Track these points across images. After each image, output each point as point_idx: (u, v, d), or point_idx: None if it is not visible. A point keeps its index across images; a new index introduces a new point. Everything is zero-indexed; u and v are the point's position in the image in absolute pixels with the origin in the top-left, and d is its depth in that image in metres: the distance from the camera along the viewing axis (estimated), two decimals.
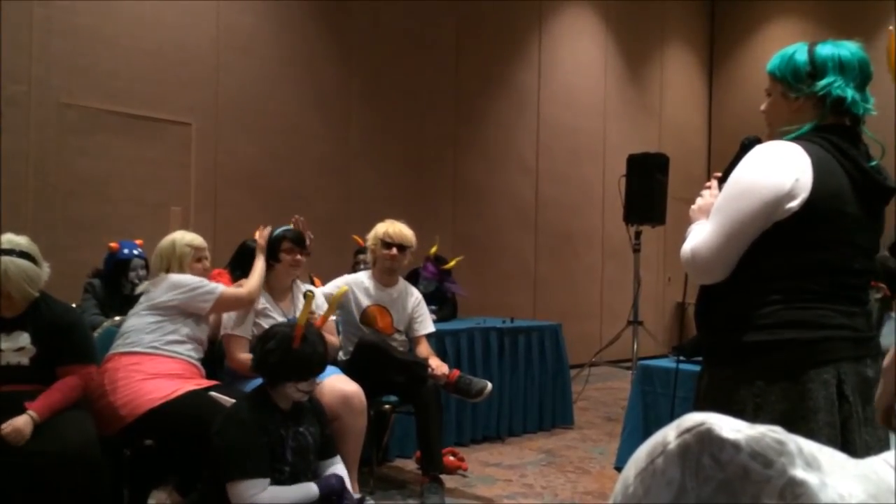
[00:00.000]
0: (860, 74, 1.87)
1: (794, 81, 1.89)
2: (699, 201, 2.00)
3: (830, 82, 1.84)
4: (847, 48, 1.88)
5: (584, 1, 9.70)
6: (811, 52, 1.89)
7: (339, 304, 3.72)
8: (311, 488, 2.84)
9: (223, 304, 3.55)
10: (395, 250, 4.29)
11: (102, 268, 4.37)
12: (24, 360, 2.96)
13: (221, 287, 3.55)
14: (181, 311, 3.43)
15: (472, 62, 8.26)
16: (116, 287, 4.26)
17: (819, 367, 1.75)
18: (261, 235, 3.86)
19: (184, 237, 3.65)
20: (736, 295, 1.85)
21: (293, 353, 2.87)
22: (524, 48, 8.93)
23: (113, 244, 4.33)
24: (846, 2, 9.95)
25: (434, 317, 5.67)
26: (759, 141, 1.91)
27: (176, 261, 3.57)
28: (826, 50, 1.88)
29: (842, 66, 1.85)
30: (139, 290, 3.60)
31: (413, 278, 5.83)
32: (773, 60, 1.96)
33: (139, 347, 3.29)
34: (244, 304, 3.66)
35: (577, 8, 9.61)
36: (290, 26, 6.70)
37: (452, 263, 5.73)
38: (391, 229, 4.33)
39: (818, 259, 1.80)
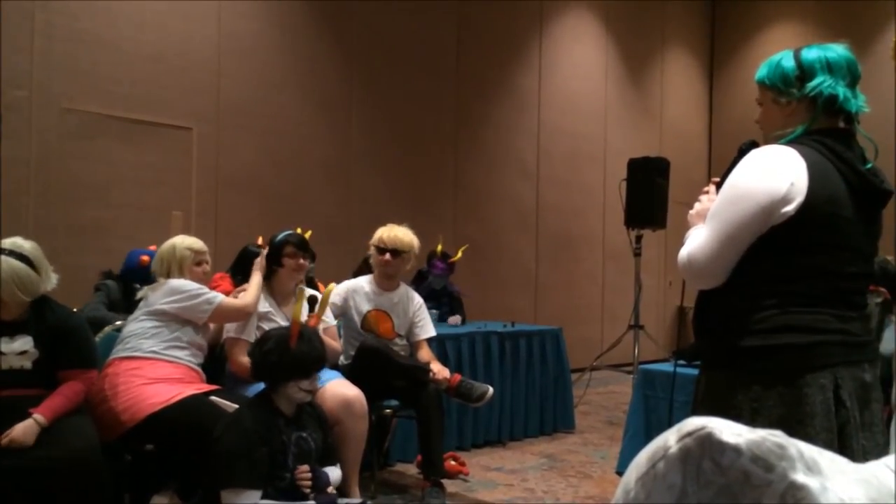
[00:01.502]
0: (849, 73, 1.88)
1: (784, 87, 1.90)
2: (697, 206, 2.00)
3: (821, 82, 1.85)
4: (833, 50, 1.89)
5: (585, 4, 9.71)
6: (797, 57, 1.90)
7: (328, 302, 3.72)
8: None
9: (221, 314, 3.54)
10: (388, 256, 4.30)
11: (120, 272, 4.35)
12: (27, 364, 2.96)
13: (220, 297, 3.54)
14: (179, 318, 3.44)
15: (473, 66, 8.27)
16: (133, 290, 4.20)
17: (815, 371, 1.75)
18: (261, 257, 3.86)
19: (184, 241, 3.65)
20: (732, 299, 1.84)
21: (291, 351, 2.88)
22: (524, 52, 8.94)
23: (145, 257, 4.26)
24: (846, 4, 9.96)
25: (458, 318, 5.72)
26: (756, 145, 1.91)
27: (176, 264, 3.57)
28: (812, 53, 1.89)
29: (830, 67, 1.86)
30: (139, 295, 3.59)
31: (418, 280, 5.85)
32: (760, 70, 1.97)
33: (139, 353, 3.29)
34: (241, 317, 3.66)
35: (577, 11, 9.62)
36: (291, 31, 6.71)
37: (459, 254, 5.77)
38: (386, 235, 4.33)
39: (814, 263, 1.80)
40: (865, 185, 1.84)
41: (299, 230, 4.26)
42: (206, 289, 3.55)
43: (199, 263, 3.66)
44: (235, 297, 3.79)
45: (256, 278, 3.77)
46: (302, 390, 2.91)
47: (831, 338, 1.78)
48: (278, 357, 2.87)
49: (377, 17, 7.29)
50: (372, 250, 4.38)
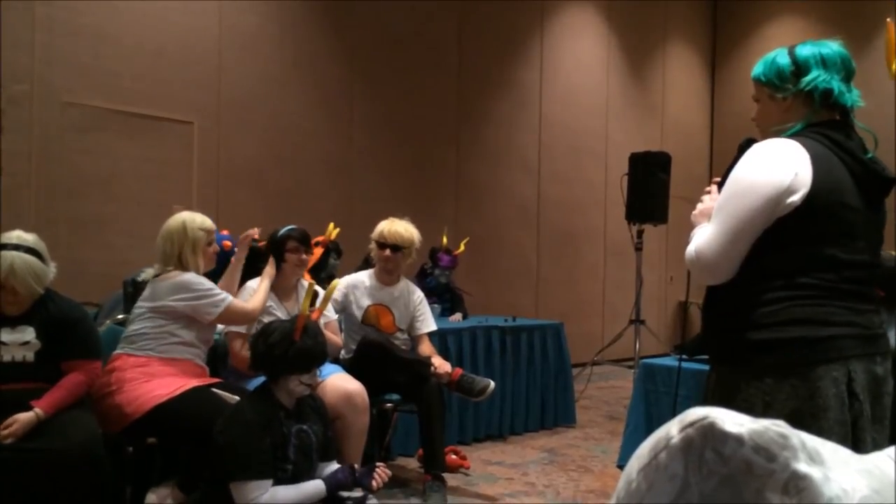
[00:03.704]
0: (843, 68, 1.90)
1: (779, 82, 1.92)
2: (700, 206, 2.00)
3: (815, 76, 1.87)
4: (827, 46, 1.91)
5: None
6: (792, 53, 1.92)
7: (331, 297, 3.70)
8: (317, 486, 2.84)
9: (228, 316, 3.46)
10: (388, 251, 4.28)
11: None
12: (30, 356, 2.96)
13: (229, 299, 3.45)
14: (187, 317, 3.38)
15: (474, 61, 8.25)
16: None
17: (828, 364, 1.75)
18: (270, 265, 3.81)
19: (194, 220, 3.49)
20: (742, 293, 1.84)
21: (295, 345, 2.88)
22: (526, 47, 8.92)
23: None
24: (847, 1, 9.93)
25: (459, 316, 5.72)
26: (755, 142, 1.92)
27: (189, 245, 3.42)
28: (806, 49, 1.91)
29: (824, 62, 1.88)
30: (142, 277, 3.54)
31: (422, 276, 5.86)
32: (756, 67, 1.99)
33: (147, 351, 3.27)
34: (247, 321, 3.60)
35: (578, 6, 9.59)
36: (293, 26, 6.70)
37: (462, 247, 5.81)
38: (387, 229, 4.31)
39: (822, 254, 1.80)
40: (868, 173, 1.85)
41: (332, 225, 4.29)
42: (215, 288, 3.45)
43: (209, 244, 3.55)
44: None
45: (265, 284, 3.73)
46: (302, 384, 2.91)
47: (844, 331, 1.77)
48: (283, 350, 2.87)
49: (378, 13, 7.28)
50: (373, 245, 4.37)
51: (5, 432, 2.72)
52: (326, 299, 3.51)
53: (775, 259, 1.81)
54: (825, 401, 1.72)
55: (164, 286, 3.36)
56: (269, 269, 3.81)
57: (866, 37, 9.38)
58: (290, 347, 2.87)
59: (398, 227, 4.31)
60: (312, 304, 3.74)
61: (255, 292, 3.69)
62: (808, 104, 1.88)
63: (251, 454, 2.73)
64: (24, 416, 2.76)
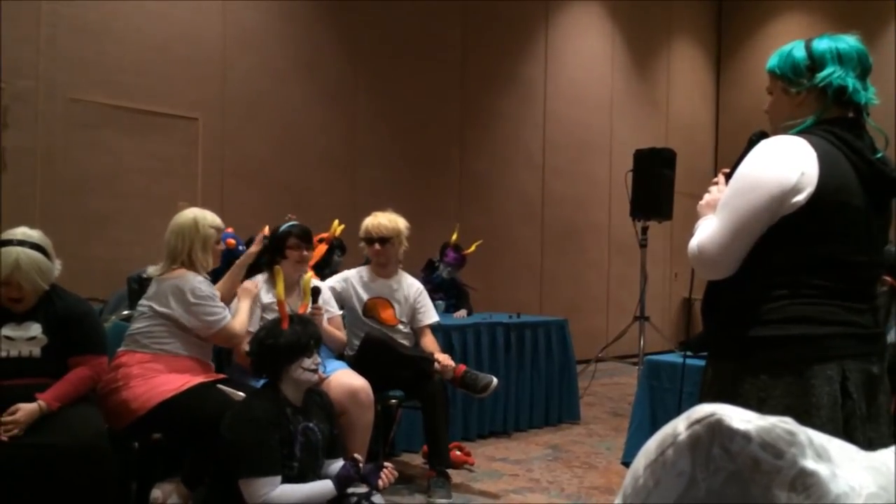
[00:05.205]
0: (860, 65, 1.87)
1: (794, 76, 1.90)
2: (707, 197, 1.99)
3: (830, 73, 1.85)
4: (844, 41, 1.89)
5: None
6: (808, 47, 1.90)
7: (309, 288, 3.70)
8: (326, 485, 2.84)
9: (221, 335, 3.43)
10: (376, 245, 4.31)
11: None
12: (36, 351, 2.97)
13: (226, 319, 3.41)
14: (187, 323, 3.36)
15: (479, 58, 8.24)
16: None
17: (823, 363, 1.75)
18: (247, 285, 3.79)
19: (205, 217, 3.47)
20: (742, 290, 1.84)
21: (284, 333, 2.90)
22: (531, 43, 8.90)
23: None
24: None
25: (464, 312, 5.72)
26: (766, 136, 1.91)
27: (199, 242, 3.40)
28: (823, 44, 1.89)
29: (840, 57, 1.86)
30: (146, 273, 3.53)
31: (429, 269, 5.86)
32: (771, 59, 1.97)
33: (152, 349, 3.28)
34: (234, 344, 3.55)
35: (583, 3, 9.57)
36: (297, 22, 6.70)
37: (472, 248, 5.78)
38: (370, 224, 4.34)
39: (825, 253, 1.79)
40: (876, 173, 1.84)
41: (336, 222, 4.28)
42: (217, 302, 3.41)
43: (218, 242, 3.54)
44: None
45: (244, 304, 3.67)
46: (307, 370, 2.91)
47: (841, 330, 1.77)
48: (273, 341, 2.88)
49: (382, 8, 7.27)
50: (361, 242, 4.41)
51: (9, 419, 2.72)
52: (305, 292, 3.53)
53: (777, 257, 1.80)
54: (818, 399, 1.73)
55: (167, 286, 3.34)
56: (248, 286, 3.76)
57: (871, 34, 9.35)
58: (279, 337, 2.89)
59: (381, 220, 4.34)
60: (315, 300, 3.77)
61: (237, 313, 3.60)
62: (821, 100, 1.87)
63: (260, 451, 2.73)
64: (27, 406, 2.77)
